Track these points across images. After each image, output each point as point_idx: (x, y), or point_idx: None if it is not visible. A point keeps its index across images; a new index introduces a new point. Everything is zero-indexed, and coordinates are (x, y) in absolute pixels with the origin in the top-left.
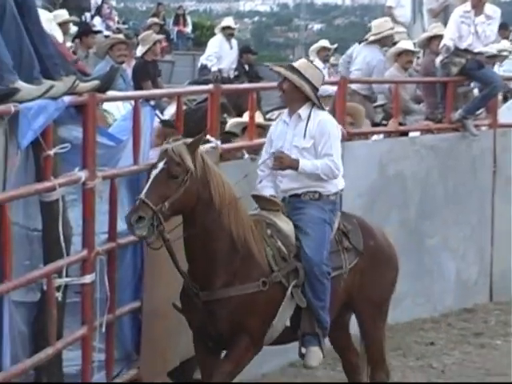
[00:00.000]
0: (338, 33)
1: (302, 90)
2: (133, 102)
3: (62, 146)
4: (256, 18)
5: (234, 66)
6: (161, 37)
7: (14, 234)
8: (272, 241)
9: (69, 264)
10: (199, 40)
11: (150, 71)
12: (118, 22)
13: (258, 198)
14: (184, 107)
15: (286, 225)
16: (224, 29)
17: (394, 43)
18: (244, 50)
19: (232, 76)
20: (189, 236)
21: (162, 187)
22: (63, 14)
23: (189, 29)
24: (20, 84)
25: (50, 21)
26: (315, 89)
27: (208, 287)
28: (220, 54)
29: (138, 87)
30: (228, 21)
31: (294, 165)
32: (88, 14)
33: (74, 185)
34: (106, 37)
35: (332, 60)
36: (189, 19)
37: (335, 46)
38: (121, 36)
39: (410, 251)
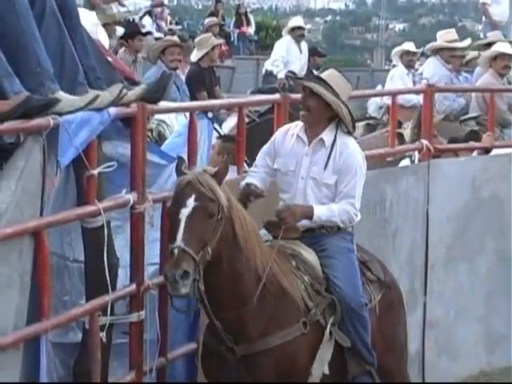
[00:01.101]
0: (423, 34)
1: (335, 110)
2: (188, 114)
3: (108, 165)
4: (329, 17)
5: (304, 73)
6: (220, 41)
7: (52, 265)
8: (300, 273)
9: (114, 300)
10: (263, 43)
11: (206, 79)
12: (171, 23)
13: (272, 225)
14: (246, 119)
15: (309, 255)
16: (292, 29)
17: (464, 58)
18: (311, 53)
19: None
20: (214, 281)
21: (200, 230)
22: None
23: (252, 30)
24: (61, 94)
25: (97, 25)
26: (348, 108)
27: (244, 338)
28: (287, 58)
29: (191, 98)
30: (297, 20)
31: (307, 214)
32: None
33: (120, 209)
34: (157, 39)
35: (417, 66)
36: (252, 19)
37: (421, 49)
38: (174, 38)
39: (508, 286)
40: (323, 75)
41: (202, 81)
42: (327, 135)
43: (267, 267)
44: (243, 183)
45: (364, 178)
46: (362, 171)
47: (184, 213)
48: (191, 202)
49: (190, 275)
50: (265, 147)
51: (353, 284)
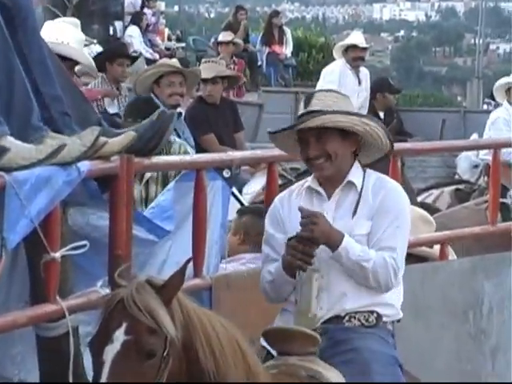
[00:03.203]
0: None
1: (370, 136)
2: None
3: (77, 245)
4: (401, 33)
5: (365, 111)
6: (231, 72)
7: None
8: None
9: None
10: (305, 68)
11: (211, 120)
12: (170, 38)
13: (277, 334)
14: (280, 181)
15: (333, 374)
16: (347, 50)
17: None
18: (379, 86)
19: None
20: None
21: (133, 379)
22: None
23: (288, 50)
24: (9, 140)
25: (81, 42)
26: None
27: None
28: (341, 91)
29: (197, 148)
30: (355, 37)
31: (334, 238)
32: (119, 24)
33: (93, 310)
34: (149, 62)
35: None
36: (288, 34)
37: None
38: (174, 61)
39: None
40: (315, 103)
41: (205, 119)
42: (355, 176)
43: None
44: (268, 277)
45: (409, 229)
46: (407, 217)
47: (109, 351)
48: (120, 336)
49: None
50: (267, 223)
51: None
